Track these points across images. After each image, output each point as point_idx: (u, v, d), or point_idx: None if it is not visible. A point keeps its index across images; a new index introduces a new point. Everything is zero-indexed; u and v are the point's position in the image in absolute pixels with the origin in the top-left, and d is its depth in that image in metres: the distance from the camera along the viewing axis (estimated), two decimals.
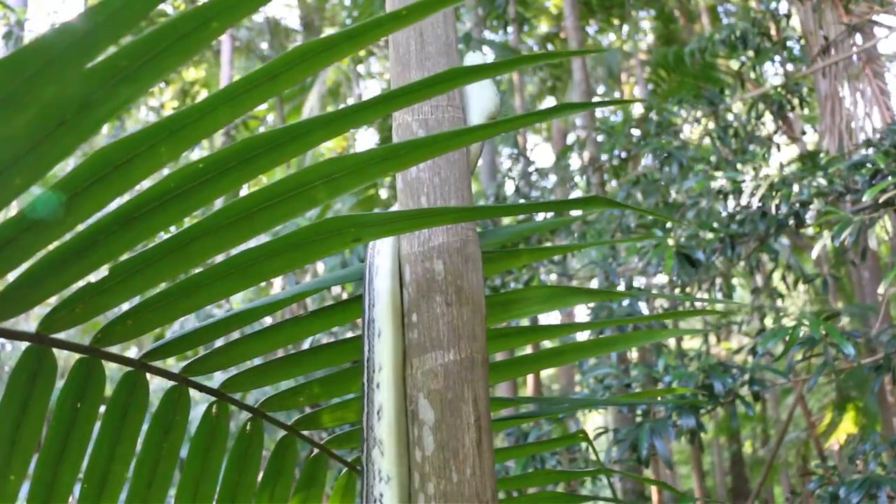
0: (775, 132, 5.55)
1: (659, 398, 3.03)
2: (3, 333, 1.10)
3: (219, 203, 1.08)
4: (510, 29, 13.21)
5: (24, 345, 1.19)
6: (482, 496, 1.19)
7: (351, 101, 15.11)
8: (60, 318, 1.13)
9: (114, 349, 1.29)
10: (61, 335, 1.19)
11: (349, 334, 1.48)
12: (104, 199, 0.97)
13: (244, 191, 1.14)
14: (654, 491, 11.83)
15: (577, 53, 1.29)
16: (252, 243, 1.12)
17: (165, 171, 1.00)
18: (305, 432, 1.59)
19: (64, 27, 0.72)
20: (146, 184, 1.01)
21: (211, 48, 15.25)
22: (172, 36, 0.77)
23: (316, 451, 1.59)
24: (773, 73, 6.24)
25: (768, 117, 5.83)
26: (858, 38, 5.32)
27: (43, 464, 1.32)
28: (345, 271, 1.37)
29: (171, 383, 1.35)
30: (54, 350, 1.21)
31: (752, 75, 6.88)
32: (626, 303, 4.01)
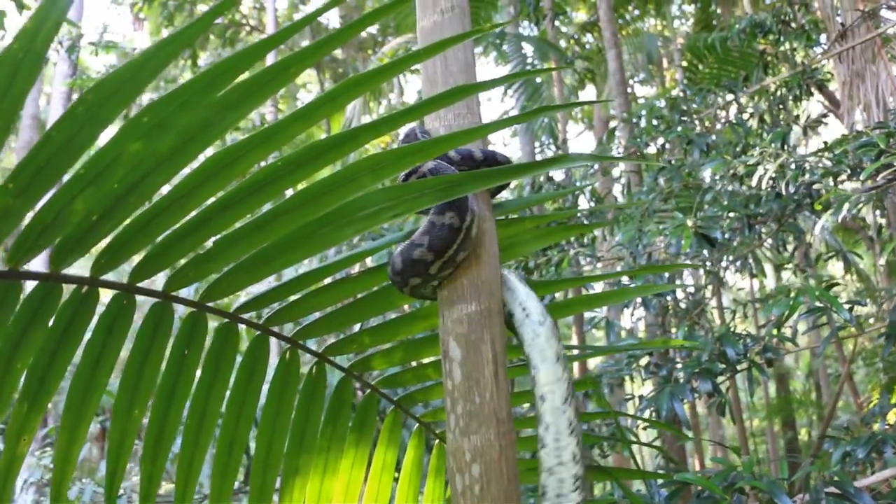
0: (796, 117, 5.77)
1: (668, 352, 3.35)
2: (140, 290, 1.49)
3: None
4: (546, 20, 13.43)
5: (148, 304, 1.59)
6: (499, 414, 1.54)
7: (392, 96, 15.53)
8: (179, 280, 1.52)
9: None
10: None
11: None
12: (213, 191, 1.35)
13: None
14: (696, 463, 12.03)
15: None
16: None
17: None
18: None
19: (198, 76, 1.10)
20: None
21: None
22: (264, 79, 1.15)
23: (368, 390, 1.97)
24: (802, 57, 6.42)
25: (792, 100, 6.04)
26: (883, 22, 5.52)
27: (159, 401, 1.70)
28: (382, 240, 1.74)
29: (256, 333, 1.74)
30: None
31: (798, 58, 7.06)
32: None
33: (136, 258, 1.47)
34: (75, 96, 12.65)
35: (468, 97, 1.61)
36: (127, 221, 1.35)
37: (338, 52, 18.25)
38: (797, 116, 5.74)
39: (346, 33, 1.17)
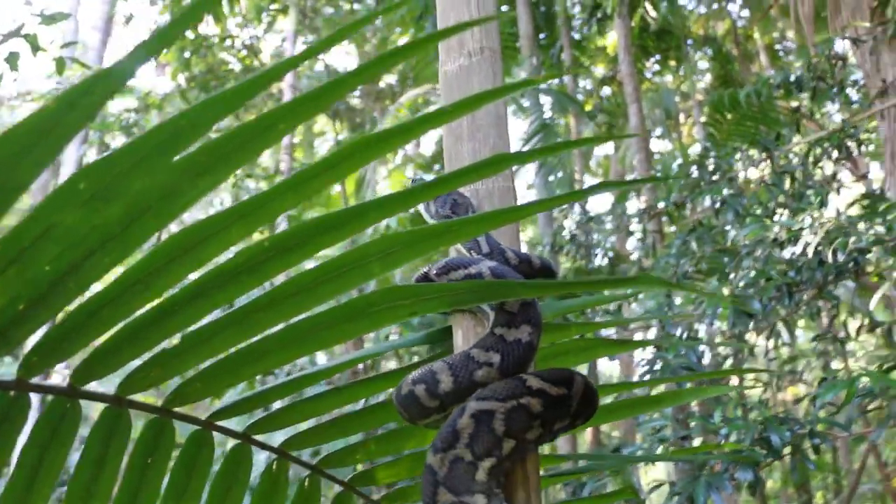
0: (833, 176, 5.47)
1: (705, 453, 3.02)
2: (85, 395, 1.19)
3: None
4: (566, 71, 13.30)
5: (100, 406, 1.28)
6: None
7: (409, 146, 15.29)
8: (137, 382, 1.21)
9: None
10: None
11: None
12: (180, 275, 1.05)
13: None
14: None
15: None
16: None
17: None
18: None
19: (151, 131, 0.81)
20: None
21: (272, 97, 15.69)
22: (246, 135, 0.86)
23: None
24: (836, 114, 6.14)
25: (829, 159, 5.75)
26: None
27: None
28: (393, 343, 1.43)
29: (235, 441, 1.42)
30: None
31: (817, 115, 6.79)
32: (682, 352, 3.99)
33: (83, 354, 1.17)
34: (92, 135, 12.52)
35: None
36: (68, 309, 1.05)
37: (356, 102, 18.10)
38: (833, 175, 5.43)
39: (349, 81, 0.88)
